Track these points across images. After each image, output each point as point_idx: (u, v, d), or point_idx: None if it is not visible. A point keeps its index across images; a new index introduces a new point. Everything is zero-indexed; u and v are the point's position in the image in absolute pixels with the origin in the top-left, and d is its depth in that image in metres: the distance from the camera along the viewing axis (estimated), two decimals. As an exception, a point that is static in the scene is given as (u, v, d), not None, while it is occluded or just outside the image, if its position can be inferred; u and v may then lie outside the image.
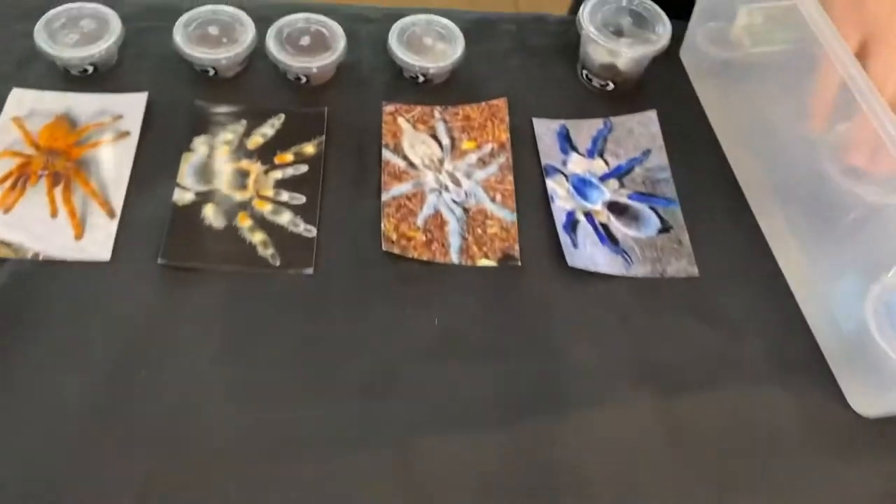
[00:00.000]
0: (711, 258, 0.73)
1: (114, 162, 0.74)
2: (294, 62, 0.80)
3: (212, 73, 0.81)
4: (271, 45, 0.81)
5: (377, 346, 0.66)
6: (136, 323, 0.65)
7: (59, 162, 0.74)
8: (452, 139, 0.80)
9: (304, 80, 0.82)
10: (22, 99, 0.78)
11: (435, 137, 0.80)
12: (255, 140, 0.78)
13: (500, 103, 0.83)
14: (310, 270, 0.70)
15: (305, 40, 0.82)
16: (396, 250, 0.71)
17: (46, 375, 0.62)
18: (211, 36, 0.81)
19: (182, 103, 0.80)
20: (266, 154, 0.77)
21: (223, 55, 0.79)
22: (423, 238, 0.72)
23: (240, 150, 0.77)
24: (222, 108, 0.79)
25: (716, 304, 0.71)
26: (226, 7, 0.83)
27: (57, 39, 0.78)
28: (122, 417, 0.61)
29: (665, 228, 0.75)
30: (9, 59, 0.81)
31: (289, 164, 0.76)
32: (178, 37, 0.80)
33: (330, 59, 0.80)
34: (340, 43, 0.81)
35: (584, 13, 0.83)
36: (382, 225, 0.72)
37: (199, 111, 0.79)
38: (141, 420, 0.61)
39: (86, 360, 0.63)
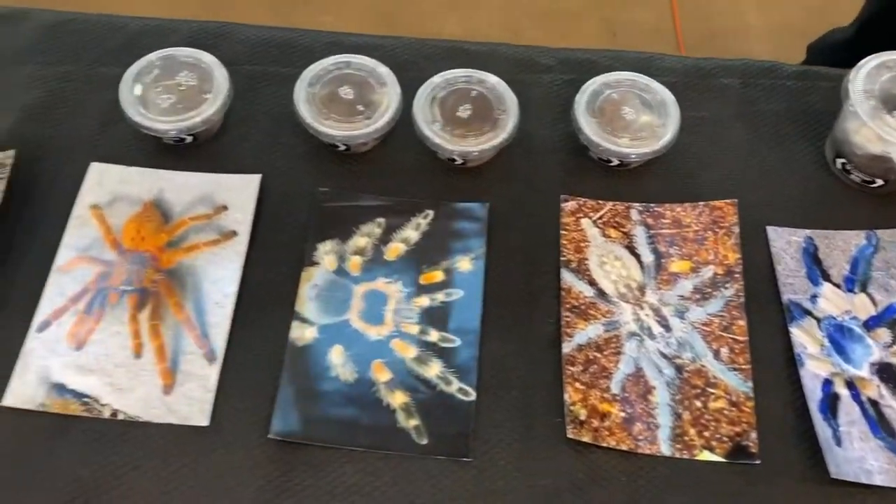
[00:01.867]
0: None
1: (217, 276, 0.56)
2: (450, 144, 0.59)
3: (342, 148, 0.62)
4: (420, 117, 0.61)
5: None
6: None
7: (146, 273, 0.57)
8: (657, 254, 0.59)
9: (459, 161, 0.61)
10: (102, 179, 0.60)
11: (633, 251, 0.59)
12: (396, 248, 0.59)
13: (727, 207, 0.61)
14: (467, 458, 0.51)
15: (465, 110, 0.61)
16: (587, 438, 0.51)
17: None
18: (342, 100, 0.61)
19: (301, 190, 0.61)
20: (409, 269, 0.58)
21: (359, 131, 0.60)
22: (621, 415, 0.52)
23: (375, 264, 0.58)
24: (354, 202, 0.60)
25: None
26: (360, 58, 0.63)
27: (148, 99, 0.60)
28: None
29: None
30: (86, 118, 0.64)
31: (438, 284, 0.57)
32: (302, 103, 0.61)
33: (496, 141, 0.60)
34: (510, 119, 0.60)
35: (856, 79, 0.59)
36: (566, 396, 0.53)
37: (324, 204, 0.60)
38: None
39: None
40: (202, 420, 0.51)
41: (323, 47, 0.68)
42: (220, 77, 0.61)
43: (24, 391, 0.52)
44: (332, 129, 0.60)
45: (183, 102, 0.60)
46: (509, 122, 0.60)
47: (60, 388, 0.52)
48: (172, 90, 0.61)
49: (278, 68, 0.67)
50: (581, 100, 0.62)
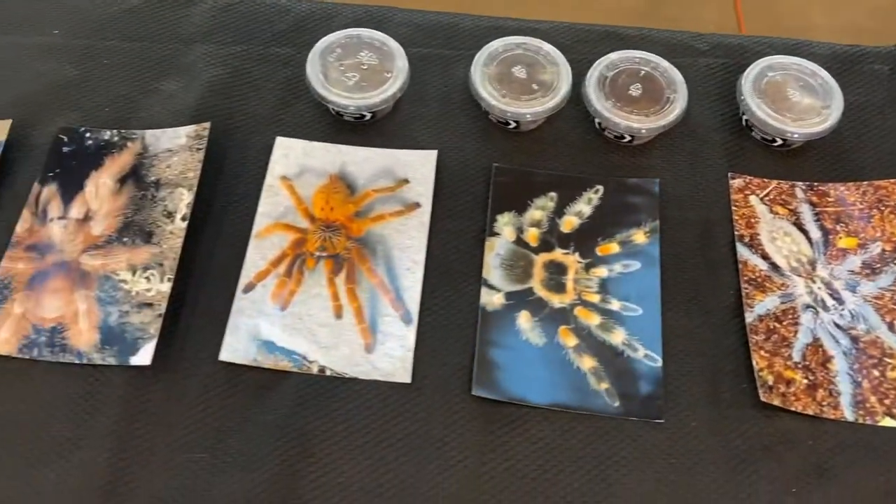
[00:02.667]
0: None
1: (404, 244, 0.59)
2: (620, 118, 0.62)
3: (512, 126, 0.64)
4: (592, 93, 0.63)
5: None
6: (448, 463, 0.51)
7: (338, 240, 0.59)
8: (824, 231, 0.61)
9: (627, 139, 0.64)
10: (288, 152, 0.63)
11: (800, 227, 0.61)
12: (570, 221, 0.61)
13: (891, 186, 0.62)
14: (660, 420, 0.53)
15: (635, 89, 0.63)
16: (777, 401, 0.53)
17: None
18: (515, 78, 0.64)
19: (476, 165, 0.64)
20: (585, 241, 0.60)
21: (533, 108, 0.62)
22: (804, 381, 0.54)
23: (552, 235, 0.60)
24: (527, 177, 0.63)
25: None
26: (530, 40, 0.65)
27: (331, 77, 0.63)
28: None
29: None
30: (266, 95, 0.67)
31: (615, 256, 0.59)
32: (478, 80, 0.63)
33: (665, 120, 0.62)
34: (679, 100, 0.63)
35: None
36: (754, 362, 0.55)
37: (499, 178, 0.62)
38: None
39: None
40: (405, 377, 0.54)
41: (483, 31, 0.70)
42: (400, 57, 0.64)
43: (238, 347, 0.55)
44: (509, 106, 0.62)
45: (367, 81, 0.63)
46: (678, 102, 0.63)
47: (270, 346, 0.55)
48: (355, 69, 0.64)
49: (442, 50, 0.69)
50: (746, 81, 0.64)
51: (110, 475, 0.51)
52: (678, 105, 0.62)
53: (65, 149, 0.63)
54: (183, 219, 0.58)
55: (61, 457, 0.51)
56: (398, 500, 0.50)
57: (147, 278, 0.56)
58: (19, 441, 0.52)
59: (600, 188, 0.62)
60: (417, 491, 0.51)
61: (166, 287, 0.56)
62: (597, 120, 0.64)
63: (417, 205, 0.61)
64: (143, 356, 0.53)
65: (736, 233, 0.60)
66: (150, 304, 0.55)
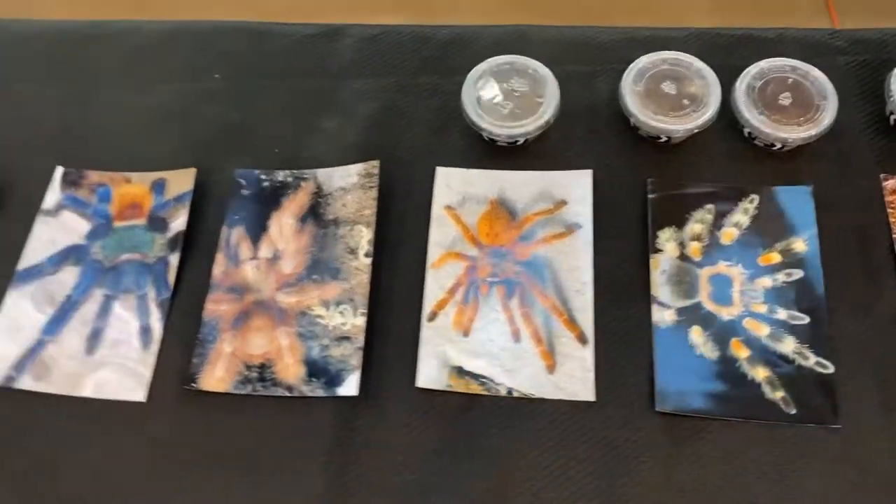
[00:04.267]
0: None
1: (571, 266, 0.62)
2: (771, 129, 0.63)
3: (663, 140, 0.66)
4: (742, 105, 0.65)
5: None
6: (638, 477, 0.55)
7: (507, 265, 0.63)
8: (985, 229, 0.61)
9: (777, 146, 0.65)
10: (449, 181, 0.67)
11: (959, 226, 0.62)
12: (729, 233, 0.63)
13: None
14: (836, 425, 0.56)
15: (785, 98, 0.65)
16: (954, 404, 0.55)
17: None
18: (665, 94, 0.66)
19: (629, 181, 0.66)
20: (746, 252, 0.62)
21: (686, 125, 0.64)
22: (979, 381, 0.56)
23: (713, 248, 0.63)
24: (682, 189, 0.65)
25: None
26: (677, 55, 0.67)
27: (484, 104, 0.66)
28: None
29: None
30: (420, 125, 0.70)
31: (777, 266, 0.61)
32: (629, 99, 0.65)
33: (817, 129, 0.63)
34: (829, 108, 0.64)
35: None
36: (927, 365, 0.57)
37: (655, 194, 0.65)
38: None
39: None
40: (588, 395, 0.58)
41: (619, 43, 0.72)
42: (551, 82, 0.66)
43: (431, 374, 0.59)
44: (663, 122, 0.64)
45: (520, 108, 0.66)
46: (829, 109, 0.64)
47: (460, 371, 0.59)
48: (509, 96, 0.66)
49: (583, 66, 0.72)
50: (894, 78, 0.65)
51: (330, 499, 0.56)
52: (828, 113, 0.64)
53: (244, 192, 0.67)
54: (366, 255, 0.63)
55: (283, 483, 0.57)
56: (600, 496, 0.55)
57: (341, 313, 0.61)
58: (244, 471, 0.57)
59: (755, 197, 0.64)
60: (614, 490, 0.55)
61: (360, 321, 0.60)
62: (746, 129, 0.66)
63: (578, 225, 0.64)
64: (350, 387, 0.58)
65: (893, 236, 0.62)
66: (347, 338, 0.60)
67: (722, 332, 0.60)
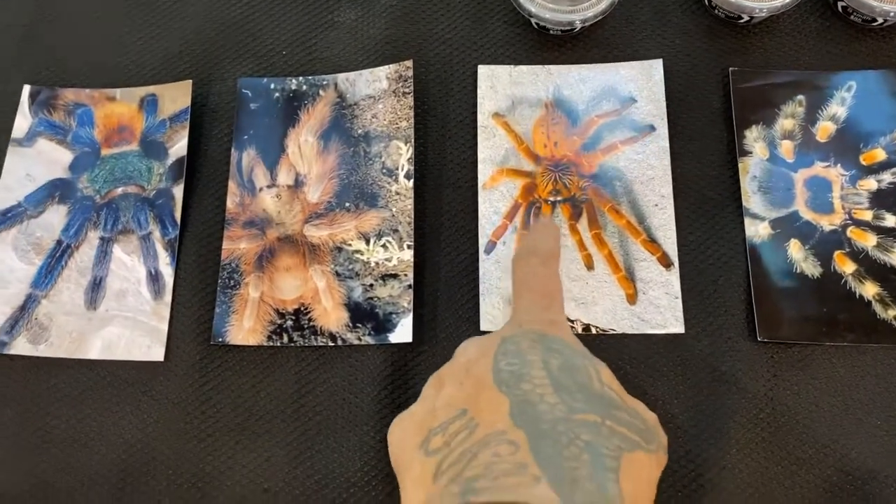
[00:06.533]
0: None
1: (646, 176, 0.54)
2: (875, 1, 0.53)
3: (744, 20, 0.56)
4: (841, -27, 0.54)
5: None
6: (741, 405, 0.49)
7: (570, 180, 0.54)
8: None
9: (878, 21, 0.55)
10: (494, 83, 0.57)
11: None
12: (826, 128, 0.54)
13: None
14: (960, 346, 0.49)
15: (893, -38, 0.54)
16: None
17: None
18: (748, -35, 0.55)
19: (707, 71, 0.56)
20: (845, 150, 0.54)
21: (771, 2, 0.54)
22: None
23: (808, 147, 0.54)
24: (768, 80, 0.55)
25: None
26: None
27: (534, -11, 0.55)
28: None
29: None
30: (456, 15, 0.59)
31: (882, 164, 0.53)
32: (708, -27, 0.54)
33: (935, -7, 0.53)
34: (950, -37, 0.53)
35: None
36: None
37: (739, 86, 0.55)
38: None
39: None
40: (678, 327, 0.51)
41: None
42: (613, -46, 0.55)
43: (495, 314, 0.51)
44: None
45: (577, -12, 0.55)
46: (944, -28, 0.54)
47: (527, 307, 0.51)
48: (563, -26, 0.55)
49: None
50: None
51: (384, 457, 0.49)
52: (945, -24, 0.53)
53: (251, 105, 0.57)
54: (407, 176, 0.53)
55: (330, 443, 0.50)
56: (690, 461, 0.48)
57: (384, 246, 0.52)
58: (282, 432, 0.50)
59: (853, 84, 0.55)
60: (715, 429, 0.48)
61: (408, 255, 0.52)
62: (840, 3, 0.56)
63: (652, 127, 0.55)
64: (403, 333, 0.50)
65: None
66: (394, 275, 0.52)
67: (823, 245, 0.52)
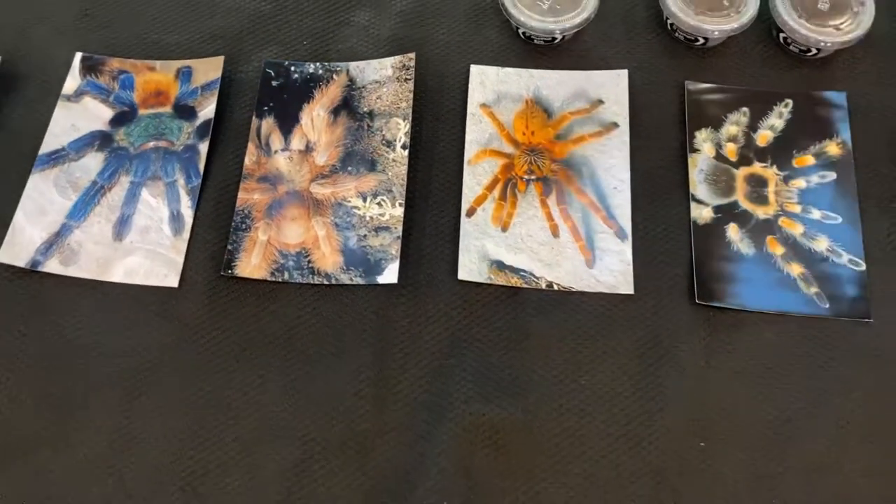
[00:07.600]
0: None
1: (608, 164, 0.62)
2: (810, 32, 0.63)
3: (700, 42, 0.66)
4: (781, 7, 0.64)
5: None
6: (678, 366, 0.56)
7: (543, 163, 0.63)
8: None
9: (813, 52, 0.65)
10: (483, 79, 0.66)
11: None
12: (764, 135, 0.64)
13: None
14: (868, 319, 0.57)
15: (824, 3, 0.65)
16: (983, 300, 0.57)
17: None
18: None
19: (666, 83, 0.66)
20: (780, 155, 0.63)
21: (724, 25, 0.64)
22: None
23: (749, 150, 0.63)
24: (718, 94, 0.65)
25: None
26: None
27: (524, 1, 0.65)
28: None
29: None
30: (455, 22, 0.69)
31: (811, 168, 0.62)
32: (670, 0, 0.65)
33: (854, 34, 0.63)
34: (867, 13, 0.64)
35: None
36: (957, 265, 0.58)
37: (694, 97, 0.65)
38: None
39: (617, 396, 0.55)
40: (628, 289, 0.58)
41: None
42: (591, -22, 0.65)
43: (472, 267, 0.59)
44: (704, 23, 0.64)
45: (560, 3, 0.65)
46: (866, 14, 0.64)
47: (500, 264, 0.59)
48: (548, -8, 0.65)
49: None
50: (932, -10, 0.65)
51: (374, 382, 0.56)
52: (865, 18, 0.64)
53: (273, 83, 0.66)
54: (403, 147, 0.62)
55: (329, 366, 0.56)
56: (633, 402, 0.55)
57: (379, 204, 0.60)
58: (279, 358, 0.57)
59: (790, 102, 0.65)
60: (649, 392, 0.55)
61: (399, 212, 0.60)
62: (781, 35, 0.66)
63: (615, 125, 0.64)
64: (390, 275, 0.58)
65: (927, 141, 0.63)
66: (386, 228, 0.59)
67: (758, 230, 0.60)
